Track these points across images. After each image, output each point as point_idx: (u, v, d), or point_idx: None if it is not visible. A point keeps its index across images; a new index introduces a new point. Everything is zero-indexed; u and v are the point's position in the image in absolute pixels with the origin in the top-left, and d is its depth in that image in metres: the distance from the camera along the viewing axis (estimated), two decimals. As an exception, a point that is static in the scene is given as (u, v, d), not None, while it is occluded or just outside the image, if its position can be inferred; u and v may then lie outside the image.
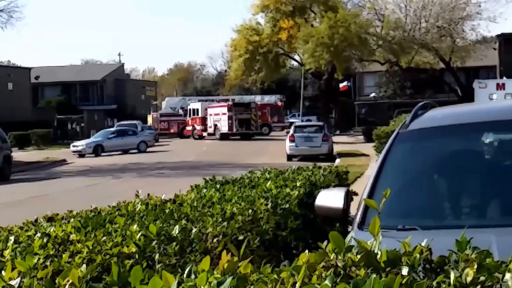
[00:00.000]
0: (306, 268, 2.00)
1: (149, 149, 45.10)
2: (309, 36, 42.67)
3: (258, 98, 60.87)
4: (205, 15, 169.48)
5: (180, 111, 60.43)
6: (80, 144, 41.93)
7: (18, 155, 37.85)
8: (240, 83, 59.89)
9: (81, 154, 40.69)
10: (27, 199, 19.55)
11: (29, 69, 70.22)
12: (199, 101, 59.86)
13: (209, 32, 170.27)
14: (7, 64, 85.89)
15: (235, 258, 2.15)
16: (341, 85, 52.51)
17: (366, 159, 27.69)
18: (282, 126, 59.07)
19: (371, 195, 3.69)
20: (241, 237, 4.14)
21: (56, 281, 2.35)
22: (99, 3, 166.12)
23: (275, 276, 2.03)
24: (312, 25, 46.31)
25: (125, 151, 42.15)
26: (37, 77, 72.09)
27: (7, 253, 3.47)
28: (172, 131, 59.58)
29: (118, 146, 42.42)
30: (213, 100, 60.83)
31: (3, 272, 2.43)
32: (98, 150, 41.01)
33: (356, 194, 5.96)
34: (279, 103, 62.11)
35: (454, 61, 44.40)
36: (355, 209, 3.86)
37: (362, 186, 4.01)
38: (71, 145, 43.00)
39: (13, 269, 2.51)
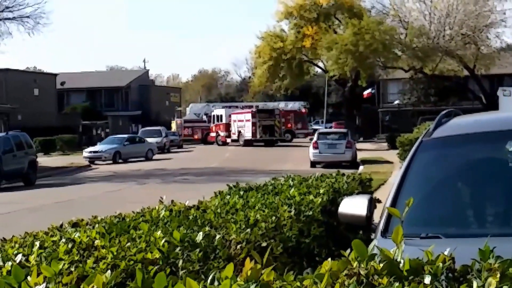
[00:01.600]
0: (329, 276, 2.00)
1: (173, 155, 45.29)
2: (333, 43, 42.60)
3: (282, 105, 60.82)
4: (229, 21, 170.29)
5: (204, 117, 60.58)
6: (98, 150, 41.66)
7: (43, 160, 38.17)
8: (264, 90, 59.89)
9: (97, 160, 40.45)
10: (52, 204, 19.63)
11: (55, 75, 70.92)
12: (222, 107, 59.82)
13: (234, 38, 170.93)
14: (33, 70, 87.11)
15: (258, 266, 2.15)
16: (365, 92, 52.31)
17: (389, 166, 27.54)
18: (305, 132, 58.92)
19: (394, 203, 3.68)
20: (264, 244, 4.14)
21: (81, 286, 2.38)
22: (125, 10, 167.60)
23: (298, 283, 2.04)
24: (336, 32, 46.24)
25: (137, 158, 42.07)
26: (62, 83, 72.87)
27: (32, 258, 3.49)
28: (196, 137, 59.69)
29: (132, 154, 42.32)
30: (236, 107, 60.82)
31: (28, 278, 2.45)
32: (116, 157, 40.93)
33: (379, 201, 5.94)
34: (303, 110, 61.99)
35: (479, 69, 44.04)
36: (378, 216, 3.85)
37: (385, 193, 3.98)
38: (84, 151, 42.69)
39: (38, 274, 2.52)
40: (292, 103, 62.95)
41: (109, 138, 45.38)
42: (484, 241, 2.15)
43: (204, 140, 58.46)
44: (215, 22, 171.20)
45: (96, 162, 40.11)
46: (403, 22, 43.27)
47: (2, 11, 38.93)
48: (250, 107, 58.87)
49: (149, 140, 46.39)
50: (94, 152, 41.29)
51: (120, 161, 40.78)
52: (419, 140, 4.29)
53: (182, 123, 60.93)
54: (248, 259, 2.23)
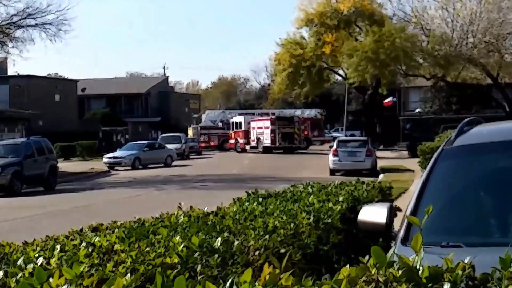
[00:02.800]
0: (347, 282, 2.00)
1: (192, 162, 45.38)
2: (353, 50, 42.44)
3: (298, 112, 60.67)
4: (249, 28, 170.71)
5: (220, 124, 60.68)
6: (118, 156, 41.85)
7: (64, 165, 38.43)
8: (284, 97, 59.80)
9: (117, 166, 40.66)
10: (72, 209, 19.75)
11: (76, 81, 71.58)
12: (238, 114, 60.01)
13: (254, 45, 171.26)
14: (54, 76, 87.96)
15: (277, 270, 2.16)
16: (386, 100, 52.03)
17: (410, 175, 27.33)
18: (321, 140, 58.68)
19: (414, 211, 3.66)
20: (282, 251, 4.13)
21: (101, 289, 2.39)
22: (145, 17, 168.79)
23: (316, 289, 1.98)
24: (356, 39, 46.10)
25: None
26: (83, 89, 73.51)
27: (53, 261, 3.53)
28: (212, 144, 59.73)
29: (152, 160, 42.46)
30: (253, 114, 60.71)
31: (50, 279, 2.47)
32: (136, 163, 41.14)
33: (399, 209, 5.90)
34: (320, 117, 61.77)
35: (502, 77, 43.57)
36: (398, 225, 3.84)
37: (406, 202, 3.99)
38: (104, 156, 42.99)
39: (60, 276, 2.55)
40: (308, 111, 62.75)
41: (129, 144, 45.65)
42: (505, 250, 2.14)
43: (220, 147, 58.53)
44: (235, 29, 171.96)
45: (116, 167, 40.36)
46: (425, 30, 42.95)
47: (25, 18, 39.31)
48: (267, 114, 58.86)
49: (169, 146, 46.54)
50: (114, 158, 41.58)
51: (140, 167, 40.97)
52: (440, 148, 4.27)
53: (198, 130, 61.10)
54: (266, 264, 2.23)
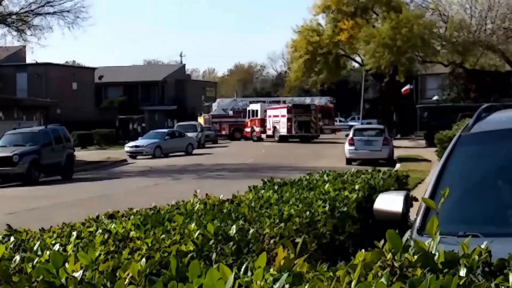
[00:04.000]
0: (362, 267, 1.99)
1: (208, 150, 45.32)
2: (370, 37, 42.16)
3: (308, 100, 60.23)
4: (266, 15, 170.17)
5: (230, 113, 60.50)
6: (140, 144, 41.82)
7: (81, 154, 38.50)
8: (300, 85, 59.56)
9: (138, 155, 40.69)
10: (88, 198, 19.73)
11: (93, 69, 71.68)
12: (250, 102, 59.76)
13: (270, 32, 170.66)
14: (72, 64, 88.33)
15: (292, 255, 2.15)
16: (403, 88, 51.60)
17: (427, 165, 27.05)
18: (332, 128, 58.14)
19: (431, 198, 3.58)
20: (298, 239, 4.05)
21: (117, 273, 2.43)
22: (162, 4, 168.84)
23: (331, 273, 2.03)
24: (373, 26, 45.77)
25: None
26: (100, 77, 73.67)
27: (69, 247, 3.55)
28: (223, 132, 59.55)
29: (173, 149, 42.42)
30: (264, 102, 60.31)
31: (66, 265, 2.49)
32: (157, 151, 41.05)
33: (416, 199, 5.82)
34: (330, 106, 61.21)
35: (522, 64, 43.10)
36: (414, 214, 3.80)
37: (422, 193, 3.88)
38: (125, 145, 43.04)
39: (75, 262, 2.58)
40: (318, 99, 61.97)
41: (150, 133, 45.46)
42: None
43: (231, 136, 58.27)
44: (252, 16, 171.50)
45: (137, 156, 40.34)
46: (443, 16, 42.53)
47: (43, 6, 39.56)
48: (278, 102, 58.59)
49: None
50: (136, 146, 41.54)
51: (162, 155, 40.81)
52: (458, 135, 4.20)
53: (210, 118, 60.85)
54: (281, 249, 2.22)
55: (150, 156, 40.30)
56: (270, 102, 60.56)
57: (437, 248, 2.12)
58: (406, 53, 41.86)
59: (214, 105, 64.08)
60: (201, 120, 60.85)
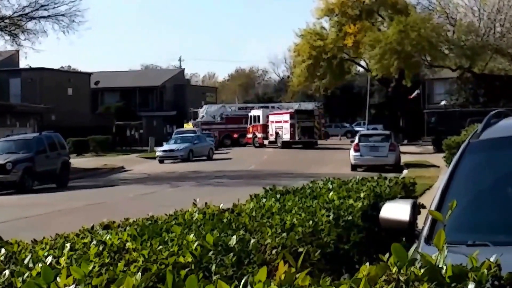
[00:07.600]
0: (366, 281, 2.03)
1: (216, 156, 44.62)
2: (376, 41, 41.15)
3: (296, 106, 58.97)
4: (267, 19, 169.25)
5: (218, 119, 59.50)
6: (174, 149, 41.59)
7: (76, 161, 37.77)
8: (303, 90, 58.44)
9: (171, 159, 40.52)
10: (84, 207, 19.41)
11: (89, 74, 70.73)
12: (239, 108, 59.56)
13: (272, 36, 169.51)
14: (67, 69, 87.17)
15: (293, 269, 2.16)
16: (412, 95, 50.74)
17: (435, 171, 26.64)
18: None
19: (439, 208, 3.56)
20: (301, 249, 4.03)
21: (111, 289, 2.35)
22: (160, 8, 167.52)
23: (336, 289, 1.99)
24: (379, 29, 44.77)
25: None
26: (96, 83, 72.48)
27: (63, 260, 3.50)
28: None
29: (199, 153, 42.54)
30: (253, 107, 59.62)
31: (58, 279, 2.52)
32: (190, 155, 41.19)
33: (424, 207, 5.95)
34: (319, 111, 59.48)
35: (532, 68, 42.20)
36: (422, 221, 3.70)
37: (430, 199, 3.95)
38: (156, 150, 43.30)
39: (68, 276, 2.57)
40: (305, 104, 61.00)
41: (176, 137, 45.42)
42: None
43: (221, 143, 56.96)
44: (253, 19, 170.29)
45: (165, 161, 40.57)
46: (450, 19, 41.69)
47: (37, 10, 38.64)
48: (266, 108, 57.79)
49: None
50: (170, 151, 41.66)
51: (194, 159, 41.06)
52: (466, 142, 4.19)
53: (200, 125, 59.45)
54: (282, 263, 2.20)
55: (178, 160, 40.42)
56: (259, 107, 59.12)
57: (444, 261, 2.13)
58: (413, 57, 40.98)
59: (201, 112, 62.68)
60: (188, 126, 59.50)
